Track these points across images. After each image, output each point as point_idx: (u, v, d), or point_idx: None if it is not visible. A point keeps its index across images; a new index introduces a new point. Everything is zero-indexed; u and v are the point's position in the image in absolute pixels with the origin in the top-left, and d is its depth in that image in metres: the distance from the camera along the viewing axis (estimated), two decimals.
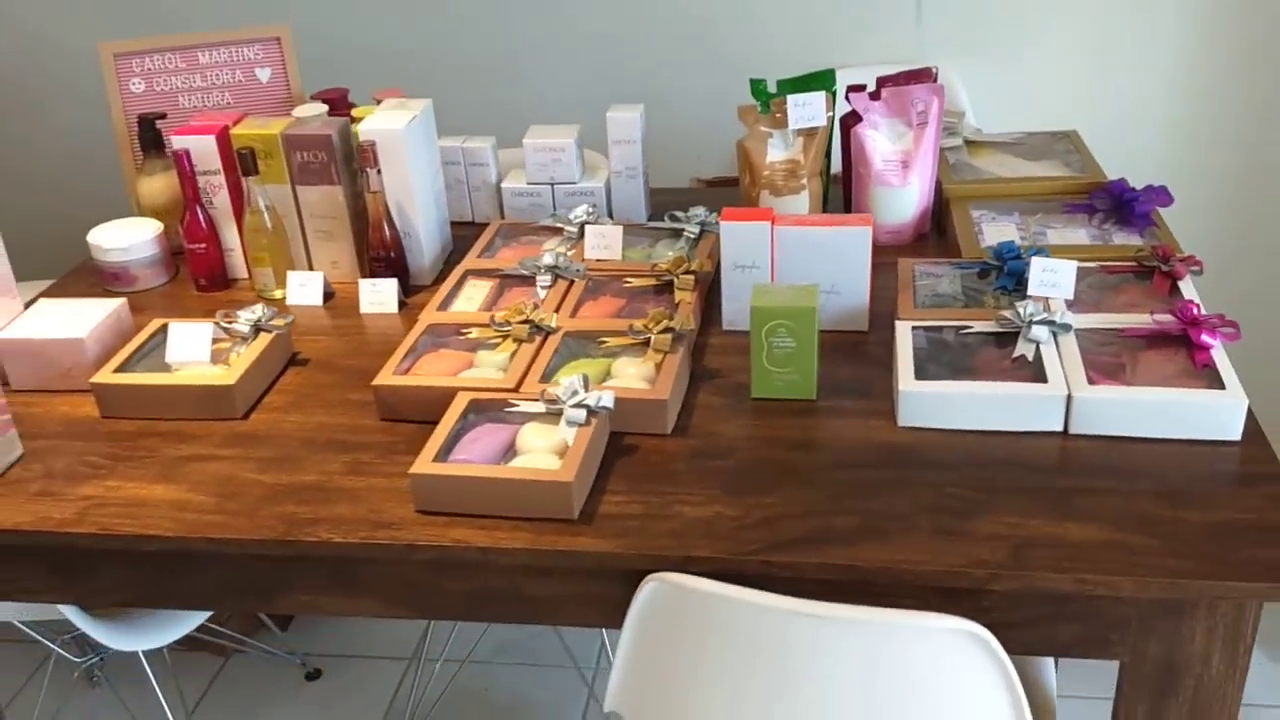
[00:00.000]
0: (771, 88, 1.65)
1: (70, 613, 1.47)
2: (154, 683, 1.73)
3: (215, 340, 1.38)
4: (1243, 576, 1.02)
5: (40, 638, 1.71)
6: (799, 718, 1.05)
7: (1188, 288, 1.37)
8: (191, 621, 1.62)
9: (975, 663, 0.97)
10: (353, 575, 1.18)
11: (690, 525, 1.11)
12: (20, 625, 1.65)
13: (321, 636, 2.22)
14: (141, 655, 1.68)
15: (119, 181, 2.31)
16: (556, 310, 1.41)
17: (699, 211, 1.59)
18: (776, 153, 1.59)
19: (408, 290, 1.58)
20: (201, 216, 1.59)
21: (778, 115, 1.60)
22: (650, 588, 1.04)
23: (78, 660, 1.82)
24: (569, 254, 1.53)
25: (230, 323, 1.40)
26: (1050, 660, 1.36)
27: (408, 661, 2.15)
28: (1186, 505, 1.10)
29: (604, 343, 1.35)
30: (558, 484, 1.11)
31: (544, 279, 1.48)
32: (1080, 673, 1.54)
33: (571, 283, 1.48)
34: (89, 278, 1.67)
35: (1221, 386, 1.20)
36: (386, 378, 1.30)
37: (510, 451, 1.19)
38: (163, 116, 1.72)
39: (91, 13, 2.33)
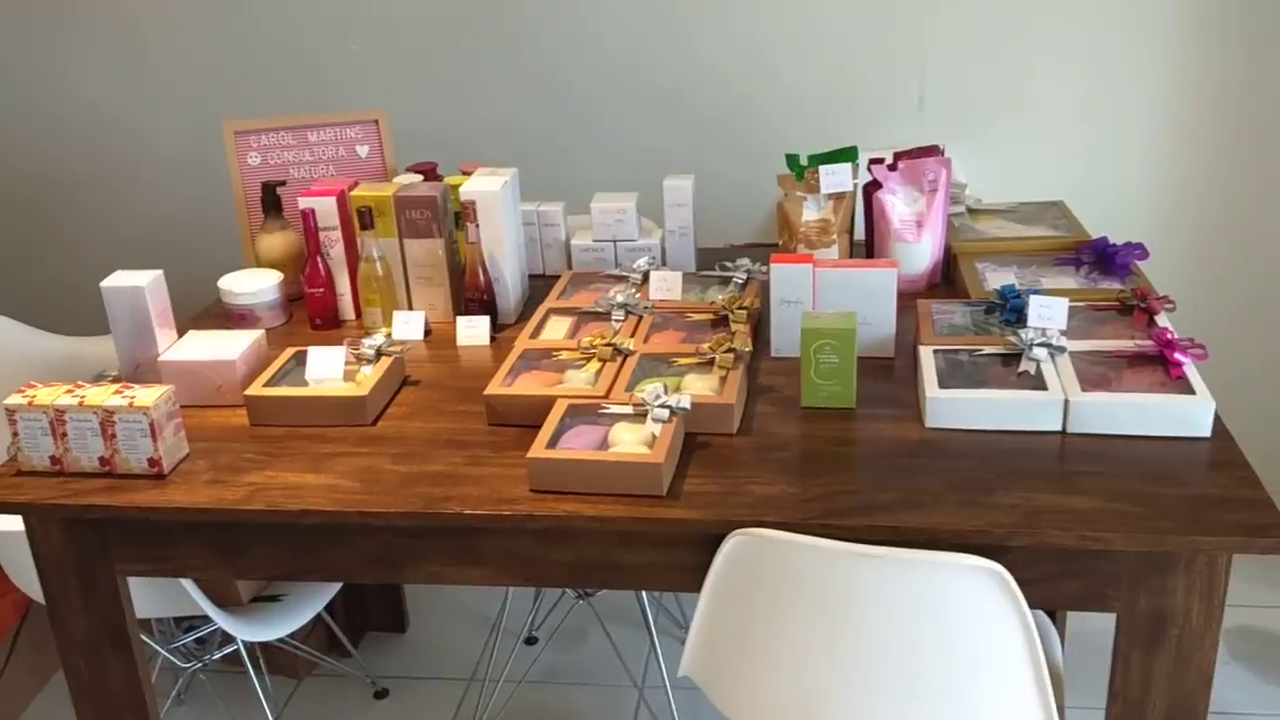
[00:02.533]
0: (804, 161, 1.94)
1: (204, 604, 1.68)
2: (254, 682, 1.93)
3: (345, 363, 1.63)
4: (1214, 533, 1.25)
5: (148, 641, 1.91)
6: (857, 656, 1.27)
7: (1162, 320, 1.64)
8: (302, 617, 1.84)
9: (995, 595, 1.21)
10: (474, 547, 1.41)
11: (760, 499, 1.35)
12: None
13: (387, 658, 2.41)
14: (243, 651, 1.89)
15: (205, 245, 2.60)
16: (630, 338, 1.67)
17: (744, 261, 1.86)
18: (811, 213, 1.88)
19: (496, 327, 1.84)
20: (321, 265, 1.86)
21: (811, 182, 1.88)
22: (734, 541, 1.28)
23: (183, 666, 2.02)
24: (636, 295, 1.80)
25: (357, 349, 1.65)
26: (1056, 636, 1.59)
27: (467, 682, 2.34)
28: (1166, 484, 1.34)
29: (675, 362, 1.60)
30: (650, 465, 1.35)
31: (617, 314, 1.74)
32: (1080, 683, 1.75)
33: (640, 318, 1.74)
34: (216, 319, 1.93)
35: (1193, 393, 1.45)
36: (496, 389, 1.55)
37: (604, 444, 1.43)
38: (283, 184, 2.00)
39: (176, 98, 2.63)
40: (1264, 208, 2.43)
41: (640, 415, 1.45)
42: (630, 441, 1.41)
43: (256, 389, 1.59)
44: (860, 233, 2.03)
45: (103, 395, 1.46)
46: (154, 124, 2.65)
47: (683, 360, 1.60)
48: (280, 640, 1.97)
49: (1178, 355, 1.51)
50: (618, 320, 1.74)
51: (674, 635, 2.41)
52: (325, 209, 1.85)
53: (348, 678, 2.35)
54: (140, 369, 1.69)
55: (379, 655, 2.42)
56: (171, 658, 1.98)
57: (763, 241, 2.37)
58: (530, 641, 2.44)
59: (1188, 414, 1.43)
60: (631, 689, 2.29)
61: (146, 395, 1.45)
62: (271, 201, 1.98)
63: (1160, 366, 1.52)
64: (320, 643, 2.35)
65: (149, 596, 1.69)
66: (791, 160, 1.94)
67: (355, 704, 2.29)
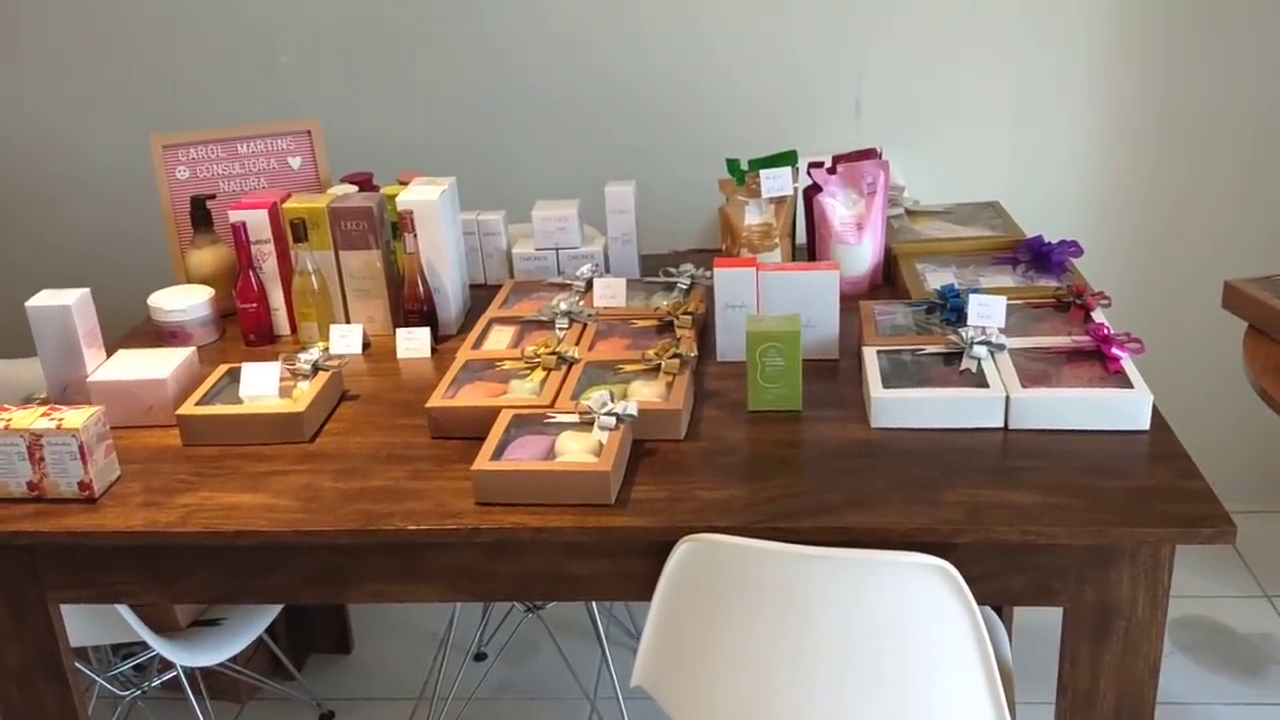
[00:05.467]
0: (744, 166, 1.94)
1: (141, 630, 1.63)
2: (195, 708, 1.87)
3: (280, 379, 1.59)
4: (1157, 525, 1.27)
5: (84, 669, 1.85)
6: (808, 657, 1.26)
7: (1099, 316, 1.66)
8: (242, 641, 1.79)
9: (943, 592, 1.21)
10: (418, 563, 1.39)
11: (708, 505, 1.34)
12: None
13: (333, 680, 2.36)
14: (183, 677, 1.84)
15: (135, 261, 2.53)
16: (575, 346, 1.65)
17: (688, 267, 1.86)
18: (753, 217, 1.88)
19: (437, 339, 1.81)
20: (253, 280, 1.82)
21: (752, 186, 1.89)
22: (684, 548, 1.27)
23: (121, 694, 1.96)
24: (580, 303, 1.78)
25: (292, 364, 1.61)
26: (1004, 632, 1.60)
27: (415, 701, 2.30)
28: (1107, 477, 1.35)
29: (620, 369, 1.59)
30: (597, 473, 1.33)
31: (561, 323, 1.72)
32: (1027, 678, 1.77)
33: (585, 326, 1.73)
34: (147, 337, 1.87)
35: (1131, 386, 1.47)
36: (438, 401, 1.52)
37: (551, 454, 1.41)
38: (212, 198, 1.95)
39: (104, 114, 2.56)
40: (1187, 204, 2.49)
41: (587, 423, 1.44)
42: (577, 450, 1.40)
43: (189, 408, 1.55)
44: (802, 236, 2.04)
45: (30, 418, 1.41)
46: (82, 140, 2.58)
47: (628, 367, 1.59)
48: (221, 665, 1.92)
49: (1115, 350, 1.53)
50: (562, 328, 1.72)
51: (625, 645, 2.39)
52: (257, 222, 1.81)
53: (292, 701, 2.29)
54: (69, 390, 1.63)
55: (324, 677, 2.37)
56: (109, 686, 1.92)
57: (705, 247, 2.37)
58: (479, 657, 2.40)
59: (1126, 407, 1.45)
60: (583, 701, 2.27)
61: (75, 417, 1.41)
62: (201, 216, 1.93)
63: (1098, 361, 1.54)
64: (263, 666, 2.29)
65: (84, 624, 1.64)
66: (732, 165, 1.94)
67: None
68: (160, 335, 1.85)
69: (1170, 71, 2.40)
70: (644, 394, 1.52)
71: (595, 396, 1.44)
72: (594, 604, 2.12)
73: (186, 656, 1.71)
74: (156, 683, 1.98)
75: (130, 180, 2.52)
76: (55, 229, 2.66)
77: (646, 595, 1.35)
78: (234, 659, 2.00)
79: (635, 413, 1.42)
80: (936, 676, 1.27)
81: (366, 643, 2.47)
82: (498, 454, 1.39)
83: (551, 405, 1.50)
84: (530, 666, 2.38)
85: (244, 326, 1.84)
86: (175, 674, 1.94)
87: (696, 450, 1.46)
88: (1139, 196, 2.49)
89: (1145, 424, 1.45)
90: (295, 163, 2.07)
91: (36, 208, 2.65)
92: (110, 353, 1.70)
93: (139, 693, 1.96)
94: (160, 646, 1.66)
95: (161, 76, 2.52)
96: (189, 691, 1.87)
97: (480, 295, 1.96)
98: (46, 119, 2.58)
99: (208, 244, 1.95)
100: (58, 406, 1.43)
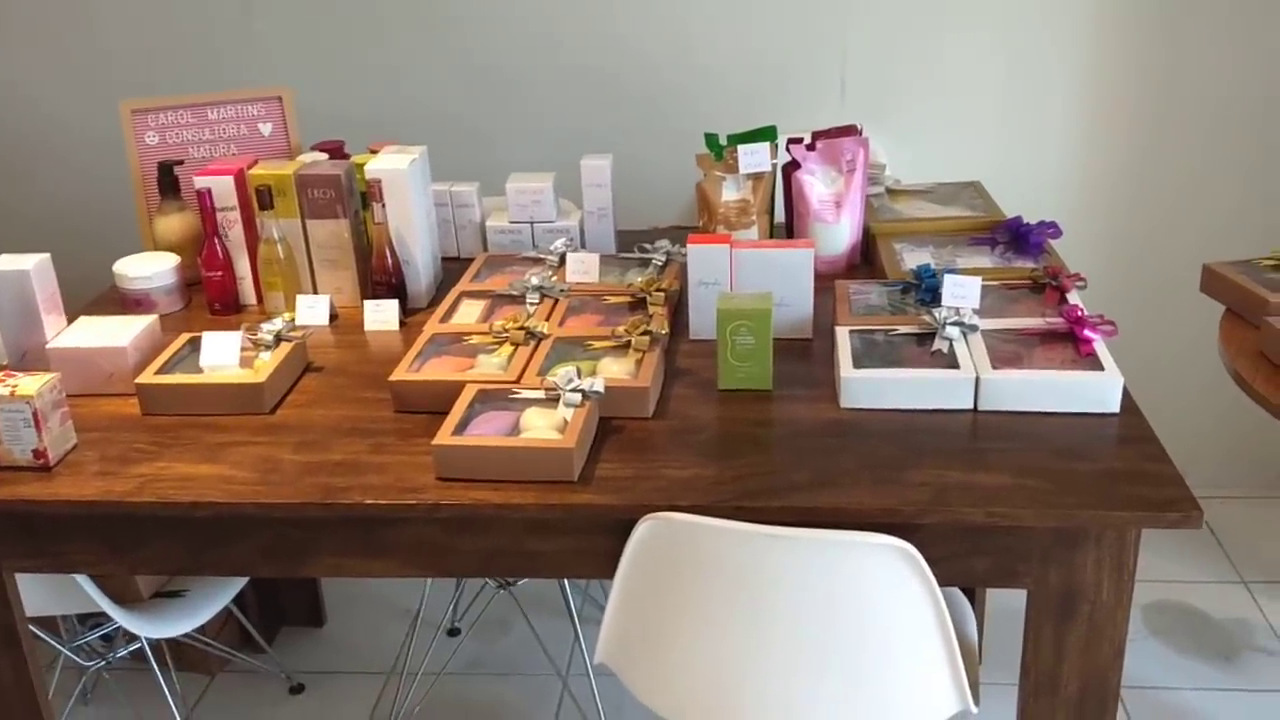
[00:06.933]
0: (723, 141, 1.91)
1: (101, 601, 1.61)
2: (160, 681, 1.86)
3: (242, 349, 1.57)
4: (1122, 508, 1.26)
5: (49, 639, 1.83)
6: (771, 637, 1.25)
7: (1074, 298, 1.65)
8: (206, 613, 1.77)
9: (904, 573, 1.20)
10: (377, 537, 1.37)
11: (674, 483, 1.32)
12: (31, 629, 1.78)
13: (304, 653, 2.35)
14: (149, 652, 1.82)
15: (103, 228, 2.49)
16: (545, 321, 1.63)
17: (664, 243, 1.83)
18: (730, 193, 1.85)
19: (406, 311, 1.79)
20: (219, 247, 1.79)
21: (730, 162, 1.86)
22: (645, 526, 1.25)
23: (86, 665, 1.94)
24: (552, 278, 1.76)
25: (255, 334, 1.59)
26: (970, 614, 1.59)
27: (386, 675, 2.29)
28: (1076, 459, 1.34)
29: (590, 346, 1.57)
30: (561, 450, 1.31)
31: (532, 297, 1.70)
32: (1003, 660, 1.77)
33: (556, 301, 1.70)
34: (111, 305, 1.85)
35: (1102, 369, 1.46)
36: (402, 374, 1.50)
37: (515, 430, 1.39)
38: (180, 163, 1.92)
39: (76, 81, 2.52)
40: (1174, 188, 2.46)
41: (552, 400, 1.42)
42: (542, 427, 1.38)
43: (148, 377, 1.52)
44: (780, 214, 2.01)
45: None
46: (52, 107, 2.53)
47: (598, 344, 1.57)
48: (190, 636, 1.91)
49: (1087, 332, 1.52)
50: (532, 303, 1.69)
51: (598, 623, 2.37)
52: (222, 188, 1.78)
53: (262, 674, 2.28)
54: (28, 357, 1.61)
55: (295, 650, 2.36)
56: (74, 657, 1.90)
57: (686, 224, 2.34)
58: (452, 633, 2.39)
59: (1096, 390, 1.43)
60: (555, 678, 2.26)
61: (30, 383, 1.38)
62: (168, 182, 1.90)
63: (1071, 344, 1.52)
64: (233, 638, 2.28)
65: (43, 593, 1.62)
66: (710, 140, 1.92)
67: (269, 700, 2.23)
68: (125, 303, 1.82)
69: (1161, 54, 2.37)
70: (613, 371, 1.50)
71: (561, 373, 1.42)
72: (566, 581, 2.10)
73: (148, 628, 1.69)
74: (123, 653, 1.96)
75: (100, 149, 2.48)
76: (25, 195, 2.62)
77: (610, 573, 1.33)
78: (203, 631, 1.98)
79: (602, 389, 1.40)
80: (897, 656, 1.26)
81: (338, 616, 2.46)
82: (460, 429, 1.37)
83: (518, 381, 1.48)
84: (503, 643, 2.37)
85: (209, 295, 1.82)
86: (141, 645, 1.93)
87: (664, 428, 1.44)
88: (1126, 179, 2.47)
89: (1115, 407, 1.43)
90: (266, 129, 2.03)
91: (6, 173, 2.61)
92: (75, 319, 1.67)
93: (103, 663, 1.94)
94: (120, 617, 1.64)
95: (134, 45, 2.47)
96: (154, 663, 1.85)
97: (453, 268, 1.93)
98: (16, 85, 2.53)
99: (175, 211, 1.92)
100: (13, 373, 1.41)
